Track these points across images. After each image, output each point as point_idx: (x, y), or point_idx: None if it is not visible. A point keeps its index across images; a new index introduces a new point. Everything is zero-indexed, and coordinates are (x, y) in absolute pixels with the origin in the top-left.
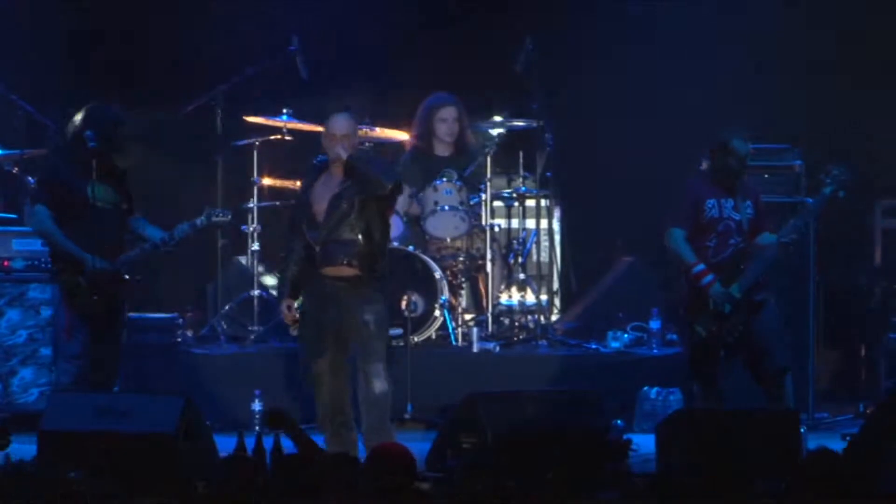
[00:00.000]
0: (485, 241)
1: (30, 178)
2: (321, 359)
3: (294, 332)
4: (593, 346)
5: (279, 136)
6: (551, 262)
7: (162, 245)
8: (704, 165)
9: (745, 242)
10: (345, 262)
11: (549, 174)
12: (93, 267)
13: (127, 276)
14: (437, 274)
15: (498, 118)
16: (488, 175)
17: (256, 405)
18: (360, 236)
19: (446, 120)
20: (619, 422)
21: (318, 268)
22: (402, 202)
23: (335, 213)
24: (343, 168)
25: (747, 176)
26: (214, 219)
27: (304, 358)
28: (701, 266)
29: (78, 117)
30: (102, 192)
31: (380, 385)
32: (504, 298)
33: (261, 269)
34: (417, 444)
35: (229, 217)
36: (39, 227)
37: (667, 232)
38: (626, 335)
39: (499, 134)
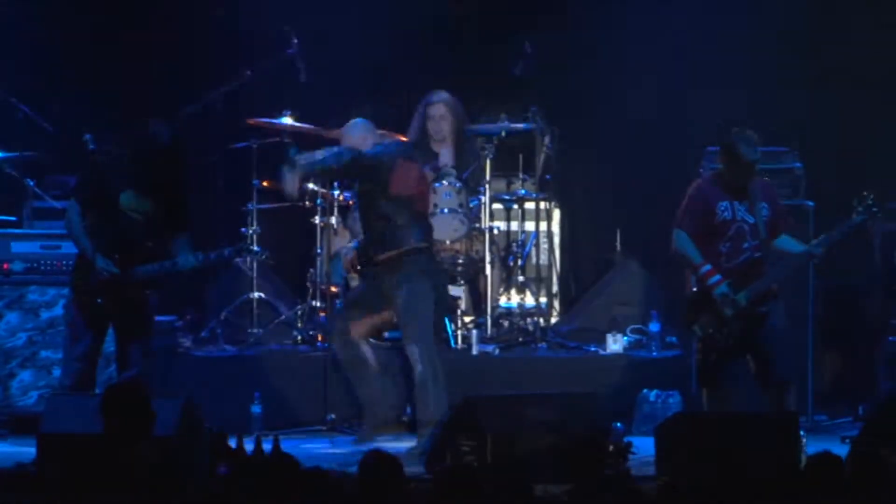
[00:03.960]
0: (484, 243)
1: (29, 181)
2: (349, 321)
3: (353, 281)
4: (592, 349)
5: (279, 139)
6: (550, 265)
7: (181, 267)
8: (705, 169)
9: (761, 247)
10: (372, 252)
11: (548, 177)
12: (100, 270)
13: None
14: None
15: (497, 120)
16: (487, 177)
17: (256, 408)
18: (376, 223)
19: (433, 117)
20: (618, 424)
21: None
22: None
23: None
24: None
25: (762, 177)
26: (245, 254)
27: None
28: (708, 266)
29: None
30: (138, 202)
31: (419, 369)
32: (503, 301)
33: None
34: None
35: (264, 257)
36: (66, 220)
37: (673, 234)
38: (625, 338)
39: (498, 136)
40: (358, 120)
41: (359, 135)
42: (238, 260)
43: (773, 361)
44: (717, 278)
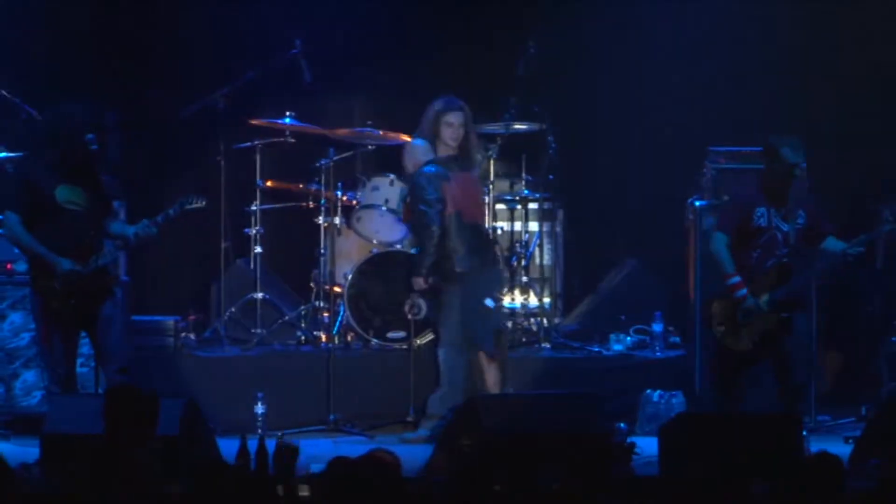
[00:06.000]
0: None
1: None
2: None
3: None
4: (596, 349)
5: (282, 139)
6: (554, 265)
7: (134, 239)
8: (708, 169)
9: (791, 254)
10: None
11: (551, 177)
12: (64, 270)
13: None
14: None
15: (500, 121)
16: (491, 178)
17: (259, 408)
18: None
19: (452, 125)
20: (622, 425)
21: None
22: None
23: None
24: None
25: (802, 183)
26: (188, 206)
27: None
28: (737, 278)
29: (58, 118)
30: (73, 194)
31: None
32: (507, 301)
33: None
34: (420, 447)
35: (203, 203)
36: (9, 232)
37: (711, 235)
38: (628, 338)
39: (501, 137)
40: (418, 141)
41: (422, 157)
42: (241, 260)
43: (793, 366)
44: (742, 292)
